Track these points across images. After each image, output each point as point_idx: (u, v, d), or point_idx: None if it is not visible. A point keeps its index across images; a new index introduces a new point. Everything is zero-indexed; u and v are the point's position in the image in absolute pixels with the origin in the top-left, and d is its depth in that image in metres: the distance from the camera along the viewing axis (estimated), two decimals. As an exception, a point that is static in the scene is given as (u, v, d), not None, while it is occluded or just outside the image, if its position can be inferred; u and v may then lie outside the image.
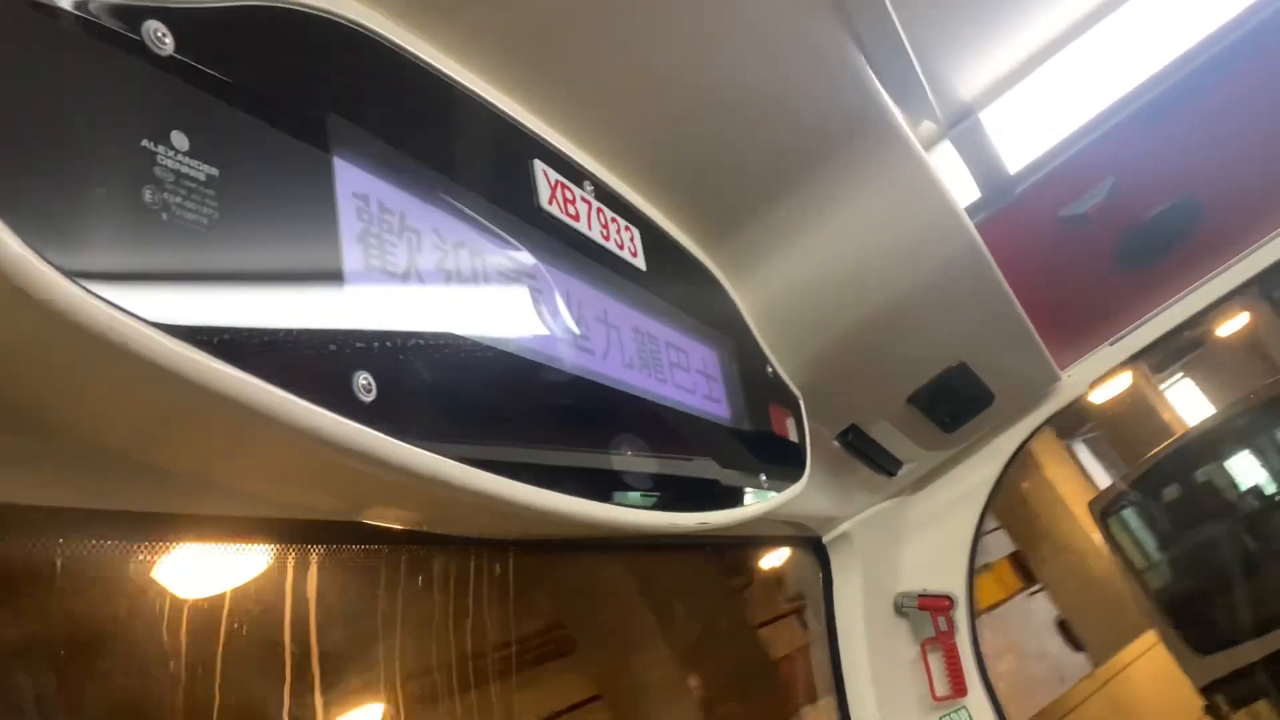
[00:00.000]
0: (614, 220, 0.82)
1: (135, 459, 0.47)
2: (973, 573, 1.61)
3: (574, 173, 0.78)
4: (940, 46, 1.25)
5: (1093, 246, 1.54)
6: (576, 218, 0.76)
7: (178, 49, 0.42)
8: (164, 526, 0.60)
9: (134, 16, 0.41)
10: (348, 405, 0.45)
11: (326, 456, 0.44)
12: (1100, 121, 1.38)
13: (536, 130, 0.75)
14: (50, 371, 0.38)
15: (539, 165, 0.73)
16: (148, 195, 0.38)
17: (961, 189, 1.39)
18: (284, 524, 0.70)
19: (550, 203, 0.73)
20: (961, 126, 1.39)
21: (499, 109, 0.71)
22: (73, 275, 0.34)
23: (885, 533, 1.55)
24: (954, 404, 1.38)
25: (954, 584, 1.56)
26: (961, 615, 1.56)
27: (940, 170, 1.08)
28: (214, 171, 0.42)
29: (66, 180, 0.36)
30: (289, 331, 0.43)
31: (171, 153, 0.40)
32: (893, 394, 1.30)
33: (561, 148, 0.78)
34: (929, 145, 1.36)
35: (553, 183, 0.74)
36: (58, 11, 0.38)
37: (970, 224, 1.10)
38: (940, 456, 1.55)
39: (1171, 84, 1.35)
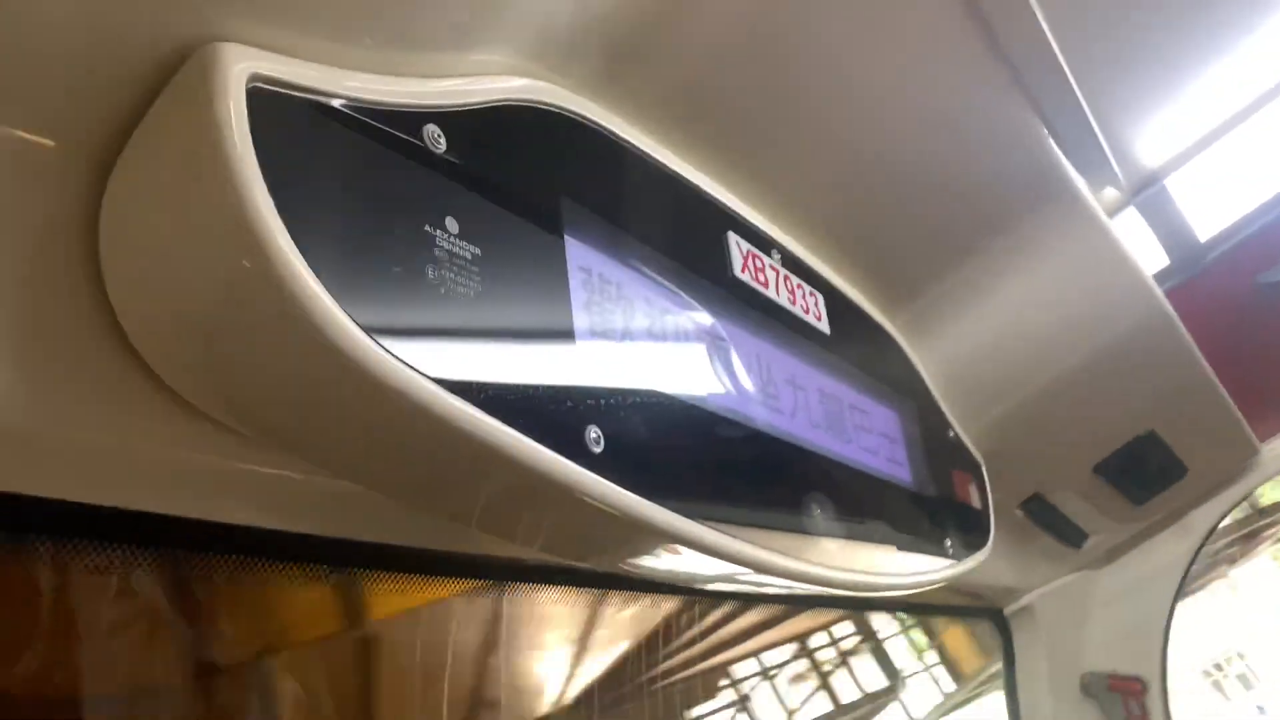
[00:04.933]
0: (799, 286, 0.85)
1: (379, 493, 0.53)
2: (1166, 656, 1.51)
3: (763, 242, 0.82)
4: (1124, 113, 1.23)
5: (1294, 312, 1.46)
6: (766, 284, 0.80)
7: (449, 146, 0.50)
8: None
9: (416, 121, 0.48)
10: (584, 456, 0.50)
11: (566, 502, 0.49)
12: (1301, 183, 1.32)
13: (729, 204, 0.80)
14: (336, 414, 0.45)
15: (732, 237, 0.78)
16: (430, 272, 0.45)
17: (1150, 256, 1.35)
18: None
19: (743, 271, 0.77)
20: (1147, 193, 1.36)
21: (697, 185, 0.76)
22: (373, 335, 0.40)
23: (1071, 607, 1.48)
24: (1143, 475, 1.32)
25: (1146, 667, 1.47)
26: (1154, 701, 1.47)
27: (1125, 237, 1.07)
28: (477, 250, 0.49)
29: (373, 261, 0.42)
30: (536, 388, 0.49)
31: (447, 236, 0.47)
32: (1078, 462, 1.26)
33: (751, 219, 0.83)
34: (1113, 212, 1.33)
35: (744, 253, 0.78)
36: (356, 122, 0.46)
37: (1157, 289, 1.08)
38: (1130, 530, 1.48)
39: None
